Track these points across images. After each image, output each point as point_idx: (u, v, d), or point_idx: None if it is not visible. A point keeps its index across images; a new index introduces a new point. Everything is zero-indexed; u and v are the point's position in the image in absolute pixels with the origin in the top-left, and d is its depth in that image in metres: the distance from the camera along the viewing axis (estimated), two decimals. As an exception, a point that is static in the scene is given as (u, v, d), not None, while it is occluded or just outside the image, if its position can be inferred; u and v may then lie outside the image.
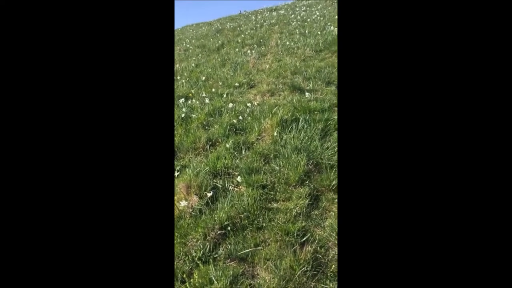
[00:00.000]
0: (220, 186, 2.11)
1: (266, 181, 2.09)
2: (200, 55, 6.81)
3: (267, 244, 1.63)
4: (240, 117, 3.04)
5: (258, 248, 1.61)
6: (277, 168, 2.19)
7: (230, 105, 3.35)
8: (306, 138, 2.48)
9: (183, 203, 1.84)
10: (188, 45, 8.09)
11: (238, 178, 2.10)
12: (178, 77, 5.07)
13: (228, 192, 2.05)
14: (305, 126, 2.65)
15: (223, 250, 1.63)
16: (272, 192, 1.99)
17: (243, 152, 2.51)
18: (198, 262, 1.55)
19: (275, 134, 2.60)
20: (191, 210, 1.89)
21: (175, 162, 2.56)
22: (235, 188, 2.10)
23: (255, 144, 2.61)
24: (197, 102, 3.66)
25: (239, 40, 7.21)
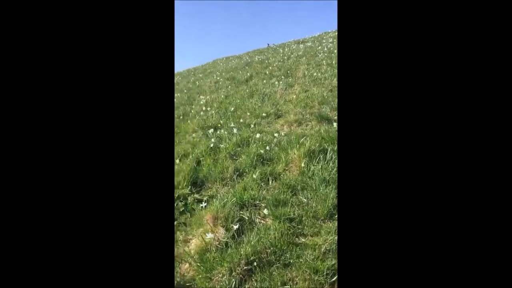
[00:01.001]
0: (246, 218, 2.09)
1: (294, 214, 2.03)
2: (229, 86, 7.09)
3: (295, 282, 1.55)
4: (267, 147, 3.05)
5: (286, 287, 1.53)
6: (305, 200, 2.14)
7: (258, 135, 3.39)
8: (335, 169, 2.42)
9: (209, 235, 1.84)
10: (218, 78, 8.48)
11: (265, 211, 2.07)
12: (208, 108, 5.27)
13: (254, 225, 2.02)
14: (334, 157, 2.59)
15: (249, 287, 1.57)
16: (299, 226, 1.93)
17: (270, 183, 2.49)
18: (223, 299, 1.51)
19: (303, 165, 2.56)
20: (217, 242, 1.87)
21: (203, 193, 2.59)
22: (261, 221, 2.06)
23: (282, 175, 2.59)
24: (226, 133, 3.75)
25: (267, 72, 7.44)
